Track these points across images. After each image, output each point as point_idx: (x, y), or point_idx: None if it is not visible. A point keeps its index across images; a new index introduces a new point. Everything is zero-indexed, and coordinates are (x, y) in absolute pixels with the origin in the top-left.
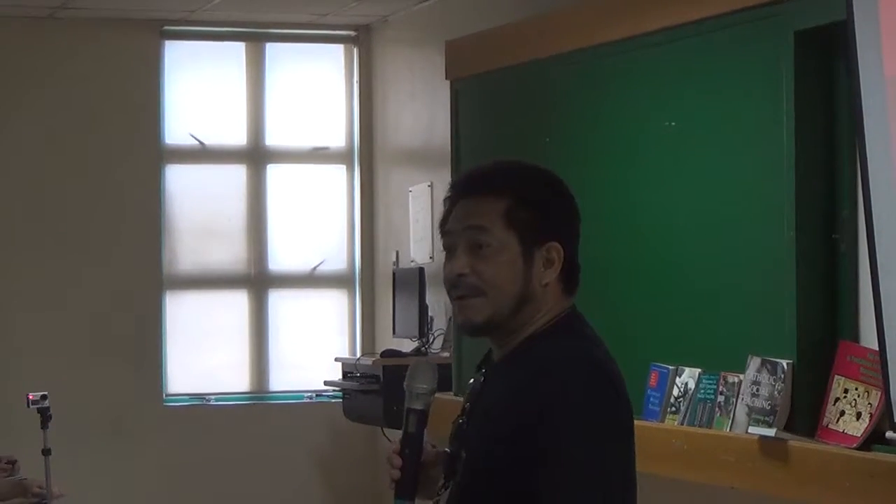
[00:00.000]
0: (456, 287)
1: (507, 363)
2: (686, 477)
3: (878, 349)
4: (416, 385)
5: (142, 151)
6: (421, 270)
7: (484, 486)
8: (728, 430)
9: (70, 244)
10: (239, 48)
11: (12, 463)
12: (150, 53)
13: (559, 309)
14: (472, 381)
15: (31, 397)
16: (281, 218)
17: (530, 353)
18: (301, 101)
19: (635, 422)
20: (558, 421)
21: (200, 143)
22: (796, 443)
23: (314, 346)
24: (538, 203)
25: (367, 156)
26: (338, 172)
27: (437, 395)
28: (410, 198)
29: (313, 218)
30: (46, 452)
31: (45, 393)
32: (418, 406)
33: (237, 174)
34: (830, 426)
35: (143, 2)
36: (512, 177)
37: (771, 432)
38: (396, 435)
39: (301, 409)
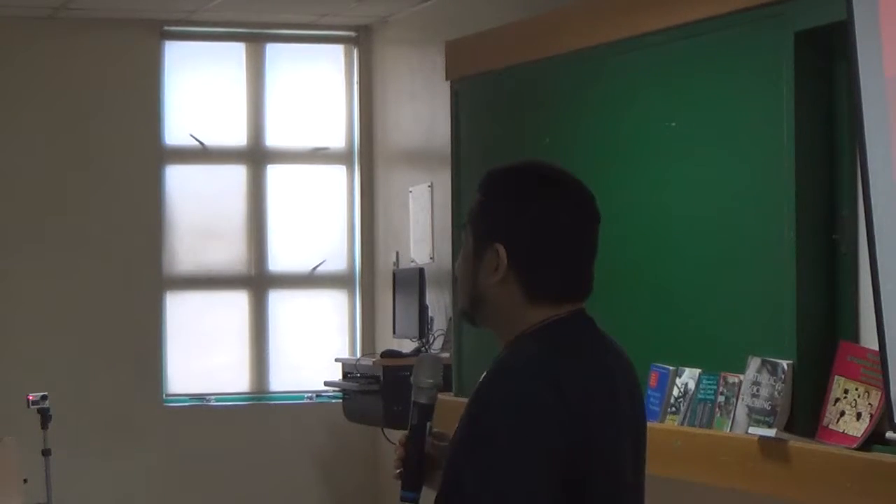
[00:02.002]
0: None
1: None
2: (686, 477)
3: (878, 349)
4: (419, 379)
5: (142, 151)
6: (421, 271)
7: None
8: (728, 430)
9: (70, 244)
10: (239, 48)
11: None
12: (150, 53)
13: (544, 315)
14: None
15: (31, 397)
16: (281, 218)
17: (501, 356)
18: (301, 102)
19: None
20: (463, 421)
21: (200, 143)
22: (796, 443)
23: (314, 346)
24: (491, 204)
25: (367, 156)
26: (338, 173)
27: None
28: (410, 198)
29: (313, 218)
30: (46, 452)
31: (45, 393)
32: (421, 400)
33: (237, 174)
34: (830, 426)
35: (143, 2)
36: (492, 176)
37: (771, 433)
38: (396, 435)
39: (301, 409)
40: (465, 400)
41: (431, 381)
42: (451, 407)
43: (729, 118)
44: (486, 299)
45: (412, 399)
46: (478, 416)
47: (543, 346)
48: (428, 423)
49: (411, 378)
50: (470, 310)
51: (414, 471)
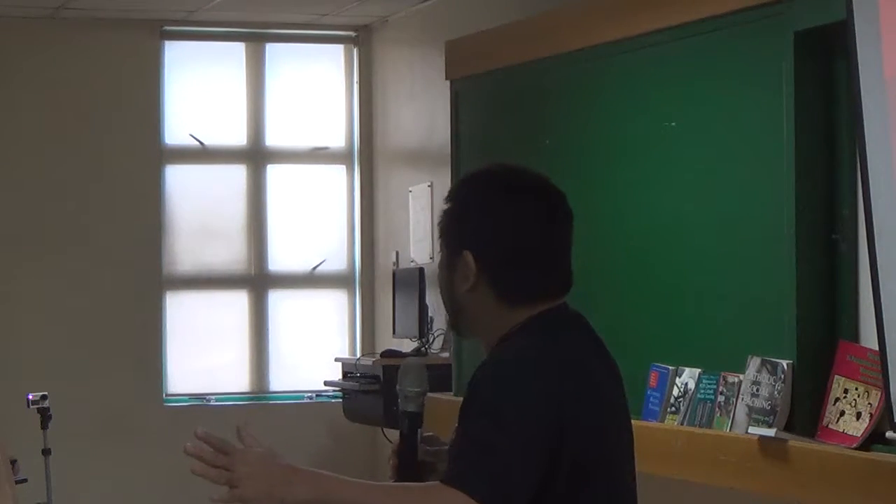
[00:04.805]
0: None
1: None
2: (686, 477)
3: (878, 349)
4: (406, 388)
5: (142, 151)
6: (421, 270)
7: None
8: (728, 430)
9: (70, 244)
10: (239, 48)
11: (12, 463)
12: (150, 53)
13: (524, 316)
14: None
15: (31, 397)
16: (281, 218)
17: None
18: (301, 101)
19: (635, 422)
20: (465, 397)
21: (200, 143)
22: (796, 443)
23: (314, 346)
24: (456, 211)
25: (367, 156)
26: (338, 172)
27: (438, 395)
28: (410, 198)
29: (313, 218)
30: (46, 452)
31: (45, 393)
32: (410, 408)
33: (237, 174)
34: (830, 426)
35: (143, 2)
36: (457, 184)
37: (771, 432)
38: (396, 435)
39: (301, 409)
40: None
41: (418, 389)
42: (451, 407)
43: (729, 118)
44: (464, 308)
45: (400, 409)
46: (477, 384)
47: (532, 338)
48: (419, 430)
49: (397, 387)
50: (453, 321)
51: (409, 479)
